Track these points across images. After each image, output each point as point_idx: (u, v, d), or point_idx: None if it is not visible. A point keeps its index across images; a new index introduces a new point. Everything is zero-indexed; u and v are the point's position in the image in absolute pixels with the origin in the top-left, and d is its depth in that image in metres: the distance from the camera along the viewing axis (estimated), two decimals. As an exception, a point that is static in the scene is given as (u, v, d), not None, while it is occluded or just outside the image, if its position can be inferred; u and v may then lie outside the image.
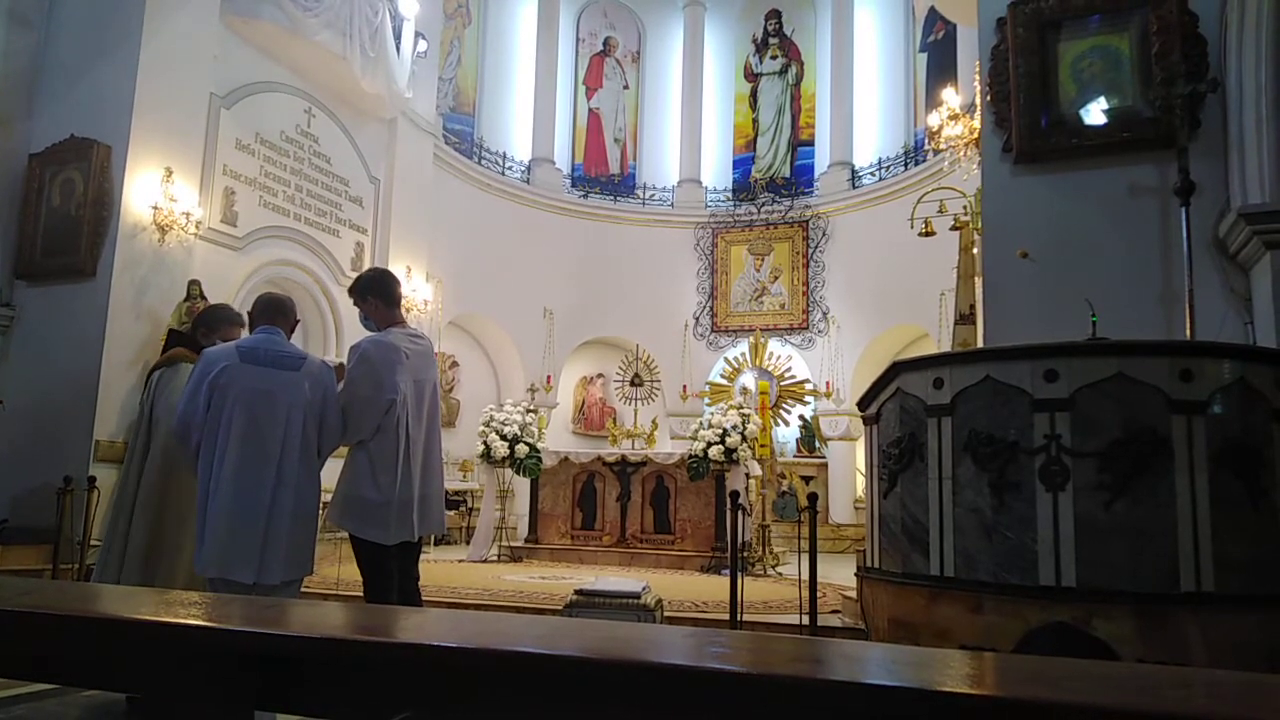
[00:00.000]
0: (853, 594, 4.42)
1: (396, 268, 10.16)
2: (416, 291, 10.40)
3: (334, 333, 9.43)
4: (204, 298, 7.11)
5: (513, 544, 8.92)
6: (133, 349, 6.76)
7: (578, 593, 4.05)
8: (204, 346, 3.53)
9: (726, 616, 4.06)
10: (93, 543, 5.67)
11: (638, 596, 3.92)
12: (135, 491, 3.67)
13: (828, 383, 12.45)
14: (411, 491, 3.38)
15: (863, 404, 3.70)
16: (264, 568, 3.08)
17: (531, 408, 9.33)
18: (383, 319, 3.56)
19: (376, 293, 3.57)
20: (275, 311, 3.41)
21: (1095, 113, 4.36)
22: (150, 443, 3.71)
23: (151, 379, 3.89)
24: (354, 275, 9.64)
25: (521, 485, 9.76)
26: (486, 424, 8.79)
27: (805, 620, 3.79)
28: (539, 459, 8.73)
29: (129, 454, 3.86)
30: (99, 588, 3.03)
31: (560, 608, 4.20)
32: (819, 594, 3.96)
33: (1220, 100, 4.12)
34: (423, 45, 10.05)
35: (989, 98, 4.64)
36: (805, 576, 3.79)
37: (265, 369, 3.21)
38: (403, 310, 3.68)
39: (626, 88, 14.90)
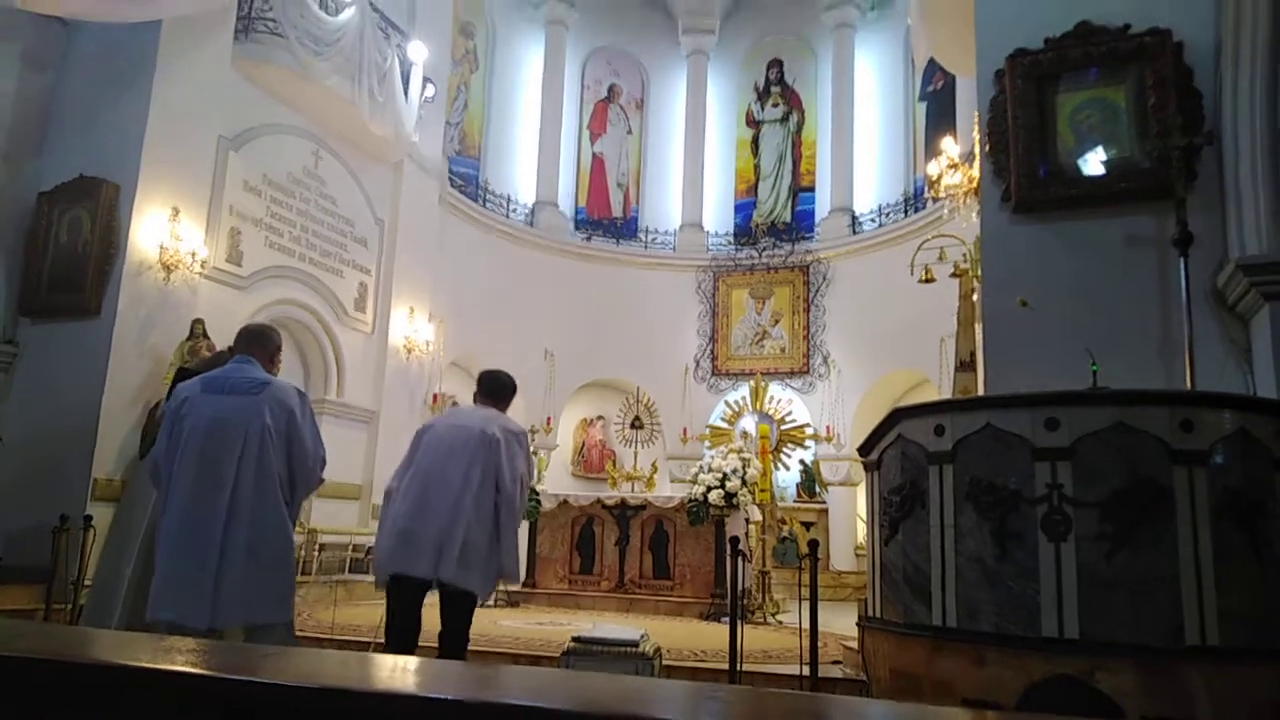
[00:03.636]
0: (854, 644, 4.36)
1: (399, 308, 10.21)
2: (418, 332, 10.44)
3: (335, 371, 9.43)
4: (207, 336, 7.13)
5: (510, 589, 8.82)
6: (134, 387, 6.77)
7: (575, 640, 4.00)
8: None
9: (726, 666, 4.00)
10: (86, 582, 5.62)
11: (636, 644, 3.87)
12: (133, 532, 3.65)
13: (828, 427, 12.41)
14: (409, 525, 3.37)
15: (864, 450, 3.68)
16: (219, 610, 2.88)
17: (532, 449, 9.29)
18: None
19: (509, 394, 3.99)
20: (251, 340, 3.35)
21: (1093, 163, 4.41)
22: None
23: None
24: (356, 315, 9.74)
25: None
26: (486, 465, 8.74)
27: (806, 671, 3.73)
28: (538, 501, 8.68)
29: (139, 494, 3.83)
30: (82, 631, 2.97)
31: (557, 655, 4.14)
32: (820, 644, 3.90)
33: (1216, 152, 4.17)
34: (430, 90, 10.21)
35: (988, 148, 4.69)
36: (806, 625, 3.75)
37: (222, 396, 3.09)
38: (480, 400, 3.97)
39: (630, 133, 15.11)
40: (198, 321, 7.21)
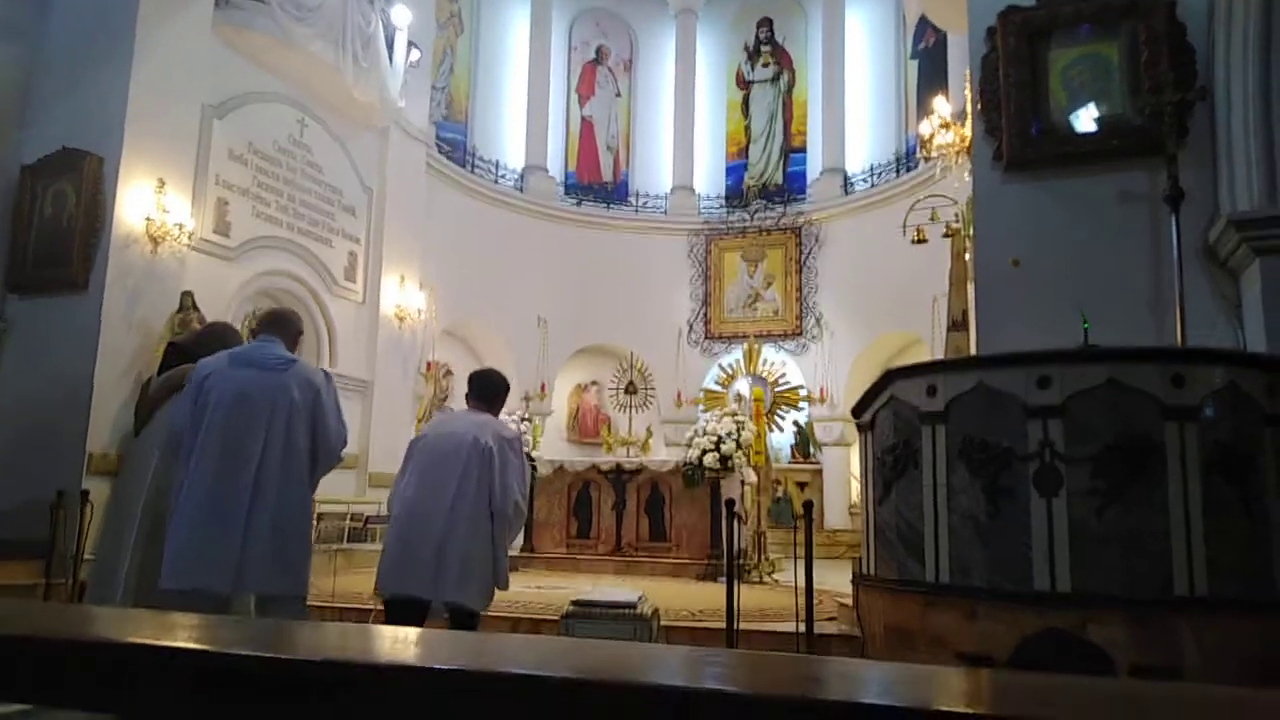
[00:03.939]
0: (848, 601, 4.43)
1: (390, 276, 10.16)
2: (410, 300, 10.40)
3: (327, 341, 9.40)
4: (196, 308, 7.09)
5: (511, 554, 8.89)
6: (125, 360, 6.73)
7: (574, 603, 4.04)
8: None
9: (723, 625, 4.06)
10: (86, 557, 5.64)
11: (634, 606, 3.92)
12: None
13: (821, 389, 12.47)
14: (404, 544, 3.31)
15: (857, 411, 3.71)
16: (241, 576, 2.96)
17: (526, 416, 9.32)
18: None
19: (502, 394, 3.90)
20: (273, 322, 3.45)
21: (1085, 120, 4.39)
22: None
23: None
24: (347, 284, 9.66)
25: (516, 494, 9.72)
26: (481, 433, 8.77)
27: (802, 628, 3.79)
28: (534, 468, 8.72)
29: (158, 473, 3.82)
30: (88, 610, 2.99)
31: (557, 618, 4.20)
32: (815, 601, 3.96)
33: (1208, 108, 4.15)
34: (415, 54, 10.05)
35: (979, 106, 4.66)
36: (801, 584, 3.80)
37: (249, 370, 3.18)
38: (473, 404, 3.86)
39: (619, 96, 14.94)
40: (187, 294, 7.16)
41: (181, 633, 1.14)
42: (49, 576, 5.64)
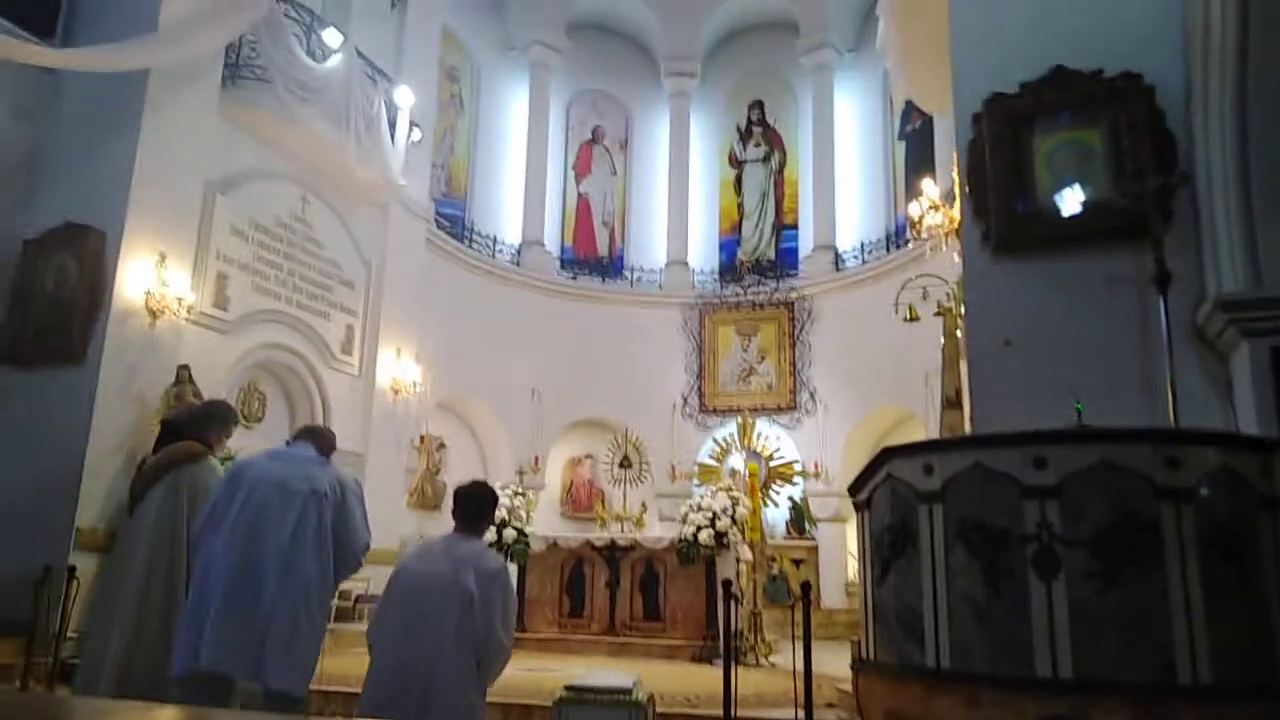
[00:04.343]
0: (847, 685, 4.34)
1: (386, 350, 10.20)
2: (406, 373, 10.42)
3: (321, 414, 9.37)
4: (192, 382, 7.09)
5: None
6: (120, 434, 6.70)
7: (568, 689, 3.95)
8: (213, 442, 3.69)
9: (720, 712, 3.96)
10: (70, 634, 5.51)
11: (629, 692, 3.82)
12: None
13: (816, 464, 12.42)
14: (386, 695, 3.04)
15: (853, 489, 3.69)
16: (265, 663, 2.92)
17: (520, 490, 9.24)
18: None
19: (490, 513, 3.65)
20: (309, 431, 3.69)
21: (1071, 204, 4.50)
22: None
23: (184, 476, 3.87)
24: (343, 357, 9.68)
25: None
26: (474, 507, 8.67)
27: (800, 715, 3.70)
28: (527, 544, 8.61)
29: (152, 553, 3.79)
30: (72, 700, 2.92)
31: (550, 704, 4.09)
32: (814, 685, 3.87)
33: (1190, 191, 4.26)
34: (417, 134, 10.30)
35: (967, 189, 4.77)
36: (799, 667, 3.72)
37: (285, 464, 3.33)
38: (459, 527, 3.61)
39: (615, 174, 15.28)
40: (183, 367, 7.17)
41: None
42: (30, 656, 5.49)
